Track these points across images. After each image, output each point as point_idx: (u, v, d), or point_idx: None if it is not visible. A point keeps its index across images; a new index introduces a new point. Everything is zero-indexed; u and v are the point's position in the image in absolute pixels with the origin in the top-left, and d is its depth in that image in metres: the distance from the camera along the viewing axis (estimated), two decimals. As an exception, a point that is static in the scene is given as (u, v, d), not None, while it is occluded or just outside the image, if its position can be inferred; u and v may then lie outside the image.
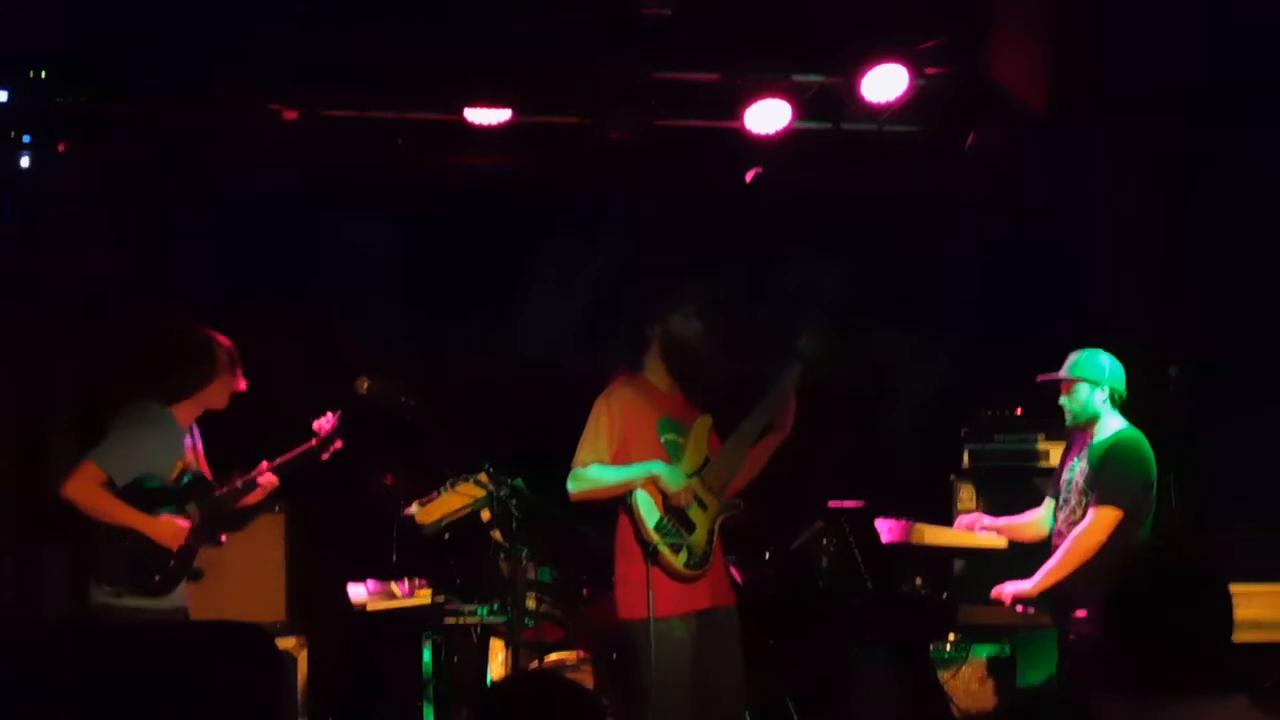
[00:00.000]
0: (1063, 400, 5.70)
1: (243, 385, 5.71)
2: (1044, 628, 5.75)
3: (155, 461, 5.53)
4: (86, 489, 5.39)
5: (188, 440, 5.68)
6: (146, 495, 5.48)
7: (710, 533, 5.41)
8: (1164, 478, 5.64)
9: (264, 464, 5.77)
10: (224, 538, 5.80)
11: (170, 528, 5.49)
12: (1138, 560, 3.58)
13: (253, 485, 5.76)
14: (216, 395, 5.67)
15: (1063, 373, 5.68)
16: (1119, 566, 3.45)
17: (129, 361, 5.87)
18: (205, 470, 5.74)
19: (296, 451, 5.81)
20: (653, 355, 5.52)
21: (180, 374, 5.61)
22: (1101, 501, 5.49)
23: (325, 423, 5.84)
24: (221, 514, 5.71)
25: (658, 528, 5.31)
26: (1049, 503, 5.88)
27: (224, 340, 5.68)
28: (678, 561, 5.31)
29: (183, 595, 5.60)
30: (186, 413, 5.64)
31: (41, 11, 5.84)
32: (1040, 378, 5.76)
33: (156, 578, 5.48)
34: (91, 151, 6.49)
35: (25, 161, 6.27)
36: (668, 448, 5.46)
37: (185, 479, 5.61)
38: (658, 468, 5.35)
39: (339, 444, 5.84)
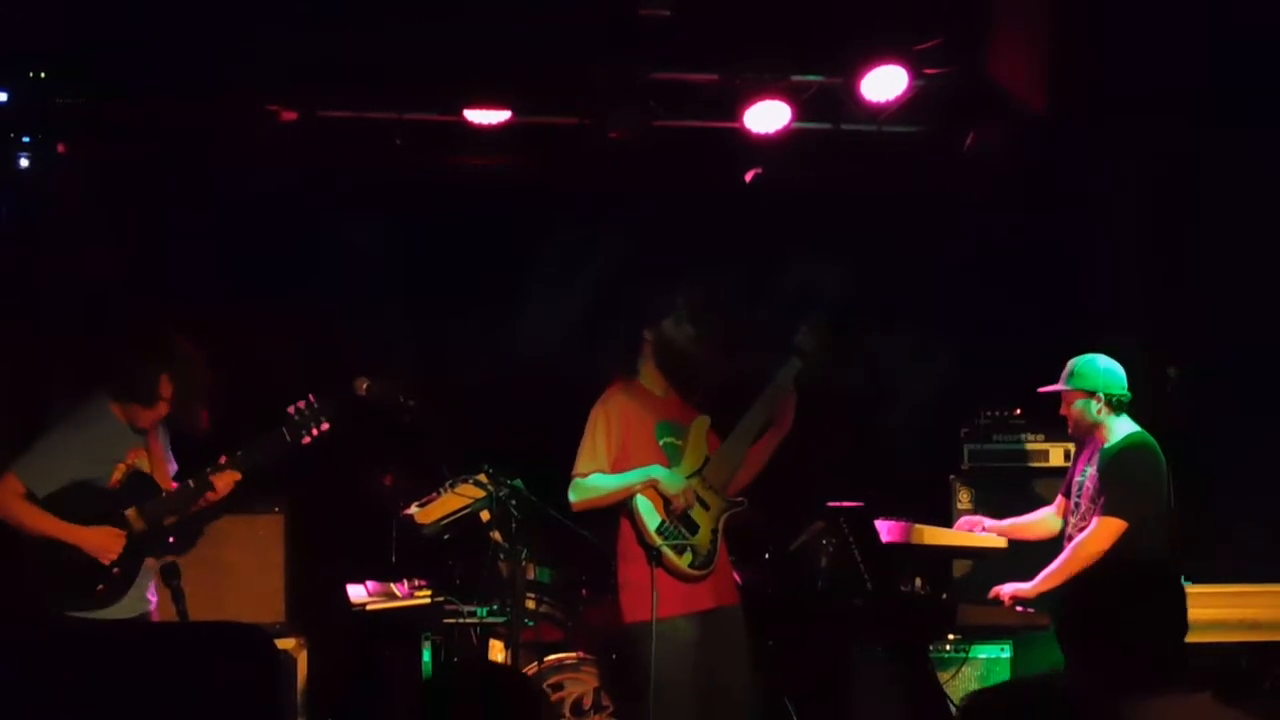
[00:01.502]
0: (1063, 412, 5.69)
1: (205, 424, 5.39)
2: (1043, 628, 5.74)
3: (87, 467, 5.25)
4: (8, 504, 5.13)
5: (141, 441, 5.38)
6: (79, 502, 5.21)
7: (714, 532, 5.42)
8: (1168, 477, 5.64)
9: (223, 458, 5.40)
10: (172, 539, 5.46)
11: (104, 538, 5.21)
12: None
13: (207, 483, 5.34)
14: (147, 415, 5.33)
15: (1060, 385, 5.67)
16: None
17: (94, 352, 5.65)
18: (166, 472, 5.44)
19: (263, 441, 5.42)
20: (646, 359, 5.53)
21: (137, 377, 5.29)
22: (1105, 511, 5.48)
23: (299, 406, 5.47)
24: (166, 516, 5.36)
25: (659, 530, 5.32)
26: (1059, 503, 5.87)
27: (204, 370, 5.37)
28: (682, 562, 5.32)
29: (144, 600, 5.37)
30: (134, 415, 5.33)
31: (41, 12, 5.84)
32: (1040, 390, 5.75)
33: (100, 588, 5.23)
34: (91, 152, 6.49)
35: (25, 162, 6.27)
36: (666, 450, 5.46)
37: (124, 482, 5.30)
38: (656, 471, 5.36)
39: (325, 427, 5.46)
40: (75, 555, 5.20)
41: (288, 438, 5.44)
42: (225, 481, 5.36)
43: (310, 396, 5.49)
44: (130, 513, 5.30)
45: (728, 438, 5.54)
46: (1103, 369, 5.62)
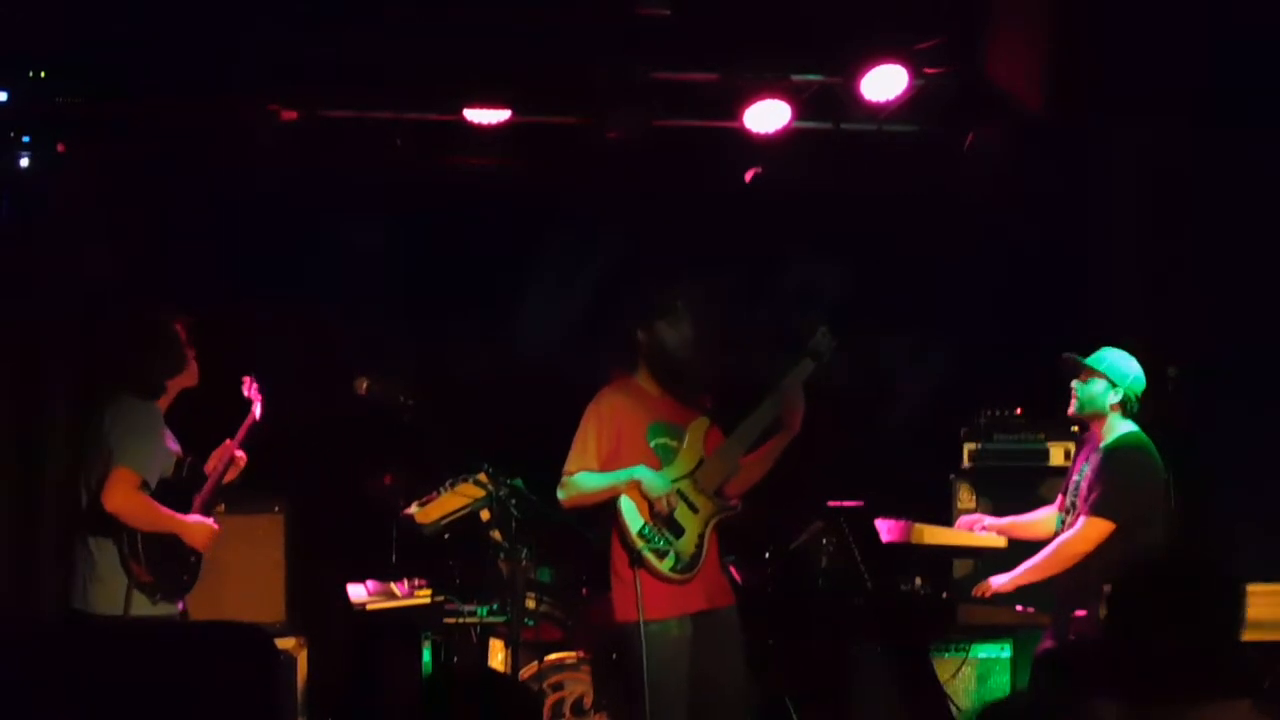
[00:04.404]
0: (1075, 384, 5.61)
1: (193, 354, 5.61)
2: (1044, 627, 5.74)
3: (166, 459, 5.47)
4: (131, 498, 5.24)
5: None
6: (162, 494, 5.40)
7: (701, 536, 5.36)
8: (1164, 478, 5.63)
9: (229, 442, 5.67)
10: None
11: (203, 530, 5.45)
12: (1148, 560, 3.51)
13: (228, 465, 5.68)
14: (187, 377, 5.55)
15: (1087, 360, 5.62)
16: (1126, 568, 3.36)
17: (106, 359, 5.70)
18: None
19: (246, 424, 5.75)
20: (640, 359, 5.52)
21: (154, 366, 5.47)
22: (1093, 511, 5.45)
23: (250, 388, 5.82)
24: (212, 501, 5.64)
25: (641, 533, 5.29)
26: (1059, 502, 5.85)
27: (179, 319, 5.56)
28: (663, 566, 5.29)
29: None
30: (165, 404, 5.53)
31: (41, 12, 5.84)
32: (1064, 355, 5.69)
33: (185, 578, 5.46)
34: (91, 152, 6.48)
35: (25, 162, 6.26)
36: (658, 452, 5.43)
37: (183, 472, 5.53)
38: (640, 473, 5.33)
39: (260, 398, 5.83)
40: (169, 547, 5.37)
41: (256, 414, 5.78)
42: (240, 461, 5.68)
43: (248, 379, 5.82)
44: (197, 501, 5.52)
45: (727, 439, 5.51)
46: (1133, 369, 5.57)
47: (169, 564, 5.37)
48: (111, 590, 5.27)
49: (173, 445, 5.55)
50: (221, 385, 5.74)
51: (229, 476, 5.71)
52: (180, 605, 5.53)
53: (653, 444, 5.45)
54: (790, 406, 5.46)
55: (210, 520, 5.50)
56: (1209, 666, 2.91)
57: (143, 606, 5.30)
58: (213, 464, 5.66)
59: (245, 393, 5.83)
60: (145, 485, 5.31)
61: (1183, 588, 2.98)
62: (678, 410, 5.52)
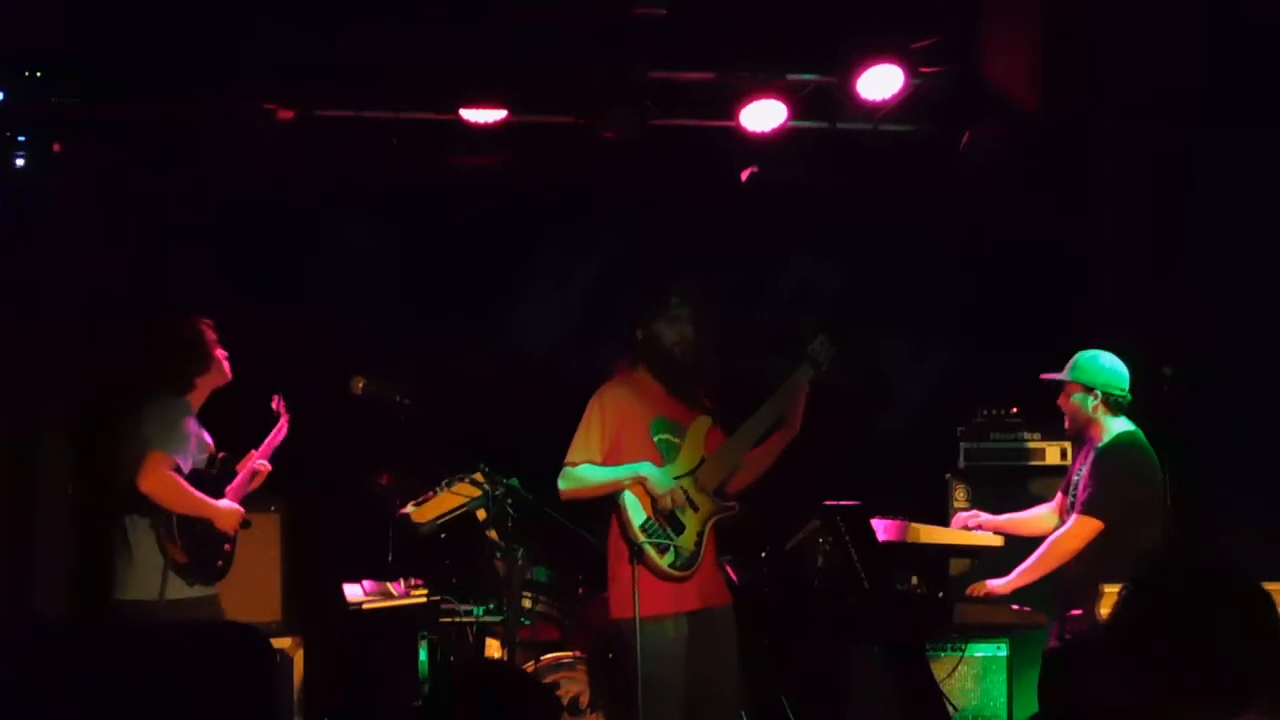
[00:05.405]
0: (1059, 403, 5.67)
1: (224, 354, 5.74)
2: (1040, 626, 5.73)
3: (197, 451, 5.56)
4: (166, 480, 5.35)
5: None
6: (193, 483, 5.48)
7: (700, 534, 5.39)
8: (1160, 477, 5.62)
9: (254, 453, 5.82)
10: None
11: (233, 514, 5.58)
12: (1158, 562, 3.44)
13: (253, 474, 5.81)
14: (217, 375, 5.68)
15: (1062, 374, 5.63)
16: (1128, 567, 3.29)
17: (137, 361, 5.80)
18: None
19: (274, 435, 5.89)
20: (640, 357, 5.51)
21: (183, 367, 5.61)
22: (1083, 510, 5.45)
23: (279, 403, 5.97)
24: (240, 497, 5.75)
25: (643, 528, 5.31)
26: (1057, 500, 5.85)
27: (205, 321, 5.70)
28: (663, 562, 5.30)
29: None
30: (197, 402, 5.65)
31: (36, 11, 5.84)
32: (1043, 376, 5.72)
33: (219, 563, 5.56)
34: (86, 152, 6.48)
35: (20, 162, 6.26)
36: (661, 448, 5.45)
37: (215, 466, 5.65)
38: (645, 469, 5.35)
39: (288, 415, 5.99)
40: (204, 531, 5.49)
41: (285, 429, 5.92)
42: (264, 471, 5.84)
43: (277, 397, 5.96)
44: (228, 492, 5.64)
45: (729, 440, 5.51)
46: (1105, 366, 5.58)
47: (204, 547, 5.49)
48: (148, 573, 5.40)
49: (207, 440, 5.65)
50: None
51: (253, 485, 5.82)
52: (216, 590, 5.60)
53: (656, 439, 5.46)
54: (791, 407, 5.48)
55: (238, 505, 5.62)
56: (1223, 673, 2.83)
57: (179, 589, 5.41)
58: (243, 466, 5.78)
59: (275, 408, 5.97)
60: (179, 469, 5.42)
61: (1204, 592, 2.89)
62: (680, 408, 5.54)
